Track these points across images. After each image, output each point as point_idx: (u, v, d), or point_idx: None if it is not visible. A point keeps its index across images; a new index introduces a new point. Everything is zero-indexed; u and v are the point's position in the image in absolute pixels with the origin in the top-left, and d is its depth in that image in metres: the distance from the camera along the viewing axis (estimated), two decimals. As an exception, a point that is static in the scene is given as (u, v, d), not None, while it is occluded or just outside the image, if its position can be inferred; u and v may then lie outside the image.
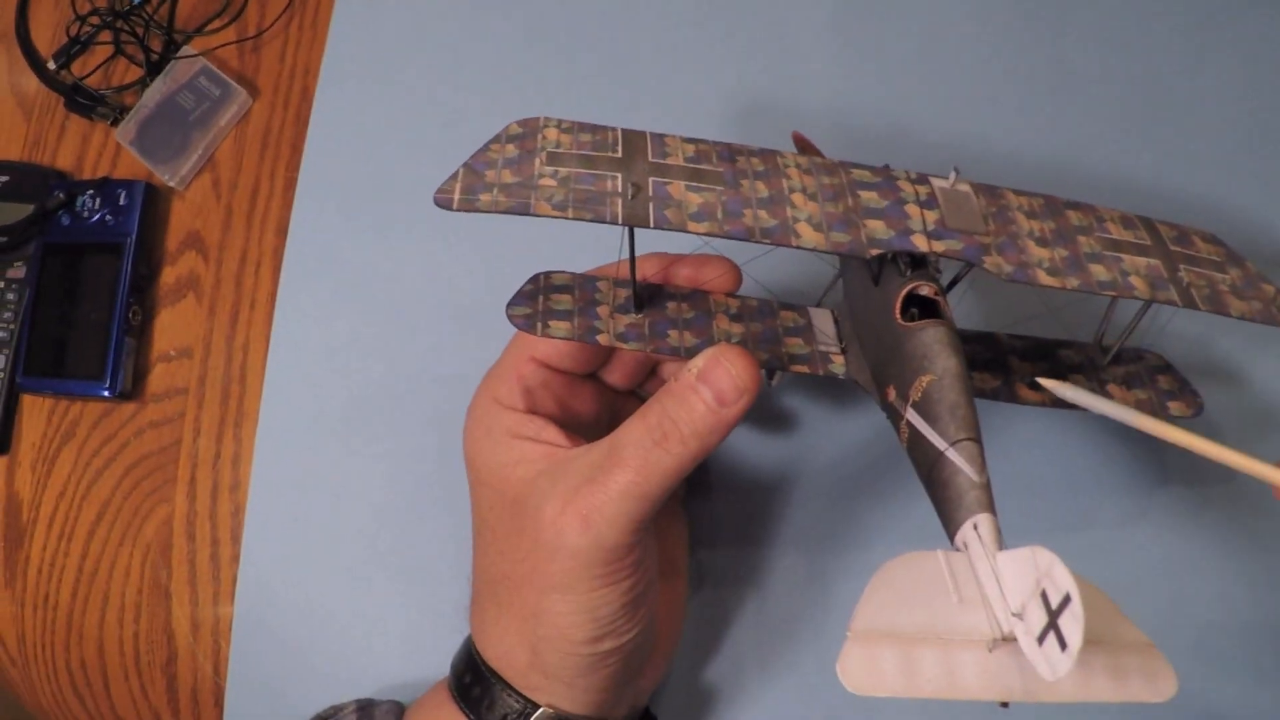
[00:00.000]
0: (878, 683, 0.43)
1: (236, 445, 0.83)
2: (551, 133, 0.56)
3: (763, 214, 0.52)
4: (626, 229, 0.55)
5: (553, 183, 0.53)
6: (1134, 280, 0.52)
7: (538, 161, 0.54)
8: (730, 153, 0.56)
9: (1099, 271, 0.52)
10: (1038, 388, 0.57)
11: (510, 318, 0.60)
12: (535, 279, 0.62)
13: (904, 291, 0.52)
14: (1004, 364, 0.60)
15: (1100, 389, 0.58)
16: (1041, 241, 0.53)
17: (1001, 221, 0.54)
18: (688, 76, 0.82)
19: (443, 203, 0.52)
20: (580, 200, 0.52)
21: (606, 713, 0.60)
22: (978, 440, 0.47)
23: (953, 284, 0.59)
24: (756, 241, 0.52)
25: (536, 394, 0.62)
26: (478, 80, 0.84)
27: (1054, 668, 0.39)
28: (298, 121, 0.88)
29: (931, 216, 0.53)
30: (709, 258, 0.62)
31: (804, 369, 0.58)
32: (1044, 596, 0.40)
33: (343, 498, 0.79)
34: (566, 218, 0.51)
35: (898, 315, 0.52)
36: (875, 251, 0.51)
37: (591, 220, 0.51)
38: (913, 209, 0.53)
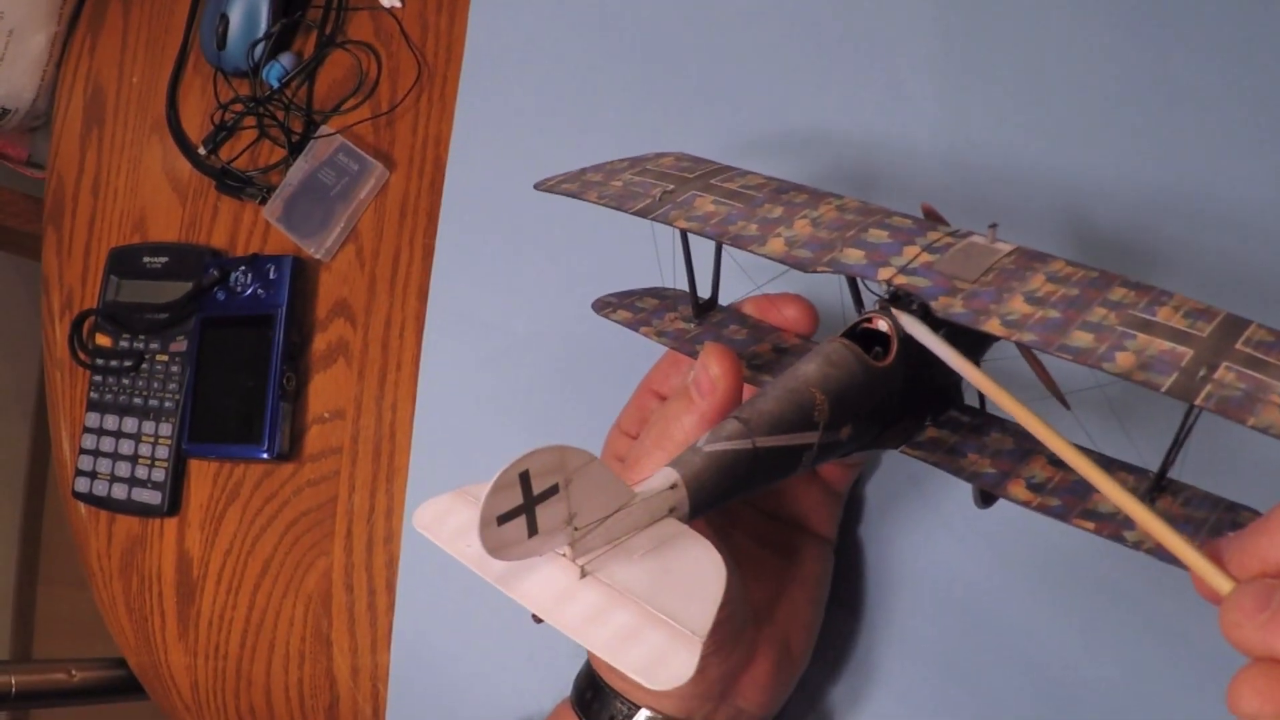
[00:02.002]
0: (433, 529, 0.46)
1: (389, 499, 0.88)
2: (667, 160, 0.63)
3: (752, 227, 0.55)
4: (681, 242, 0.60)
5: (619, 184, 0.60)
6: (1120, 356, 0.46)
7: (629, 172, 0.61)
8: (786, 188, 0.59)
9: (1080, 338, 0.46)
10: (1036, 489, 0.51)
11: (595, 300, 0.67)
12: (651, 287, 0.68)
13: (855, 322, 0.53)
14: (1023, 458, 0.54)
15: (1127, 520, 0.49)
16: (1035, 300, 0.49)
17: (1007, 277, 0.50)
18: (809, 119, 0.84)
19: (537, 185, 0.63)
20: (621, 196, 0.59)
21: (705, 718, 0.62)
22: (742, 420, 0.47)
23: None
24: (720, 241, 0.55)
25: None
26: (603, 142, 0.87)
27: (489, 544, 0.40)
28: (432, 191, 0.93)
29: (925, 259, 0.52)
30: (786, 297, 0.65)
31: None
32: (525, 477, 0.40)
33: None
34: (599, 204, 0.58)
35: (840, 335, 0.53)
36: (822, 269, 0.52)
37: (615, 209, 0.58)
38: (912, 250, 0.52)
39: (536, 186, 0.63)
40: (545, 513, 0.41)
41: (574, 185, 0.61)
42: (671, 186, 0.59)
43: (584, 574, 0.43)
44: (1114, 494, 0.44)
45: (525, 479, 0.40)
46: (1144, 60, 0.75)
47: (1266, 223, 0.70)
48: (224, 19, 1.02)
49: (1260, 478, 0.61)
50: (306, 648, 0.89)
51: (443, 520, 0.47)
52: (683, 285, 0.64)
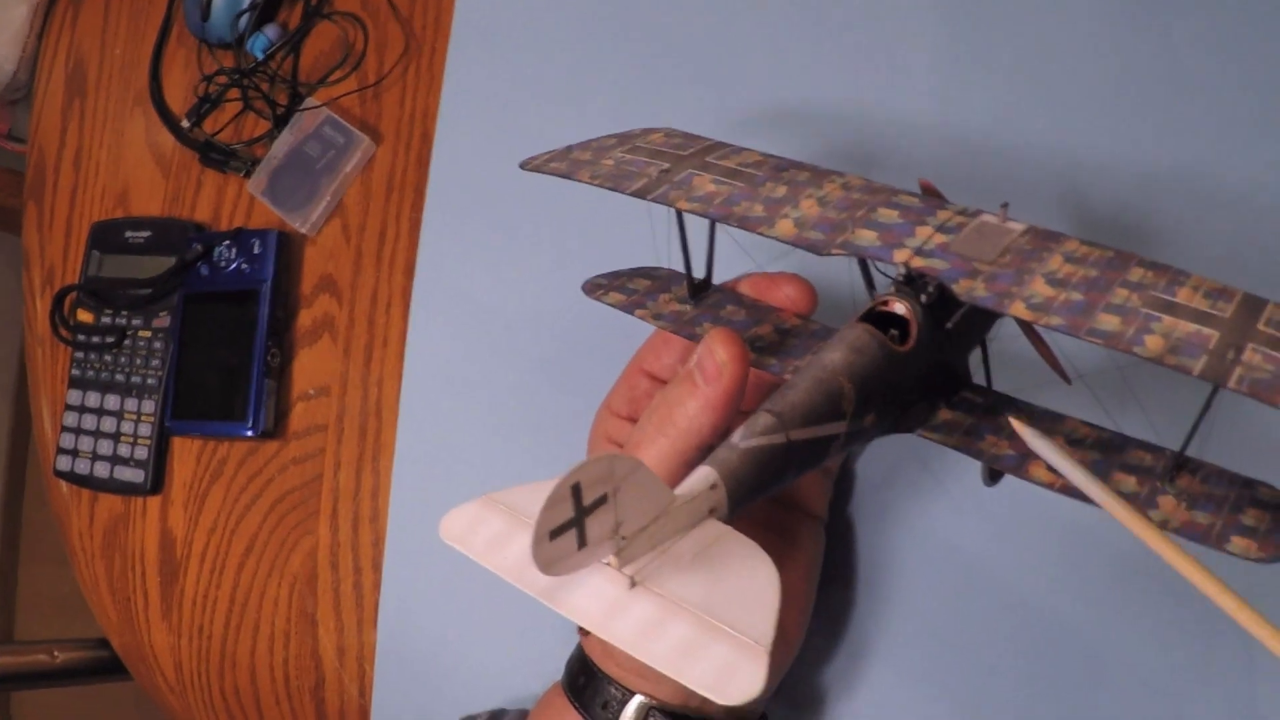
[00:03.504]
0: (465, 540, 0.45)
1: (375, 478, 0.87)
2: (657, 136, 0.61)
3: (758, 207, 0.54)
4: (677, 222, 0.59)
5: (610, 163, 0.58)
6: (1149, 339, 0.45)
7: (619, 149, 0.60)
8: (786, 165, 0.58)
9: (1107, 321, 0.46)
10: (1057, 470, 0.51)
11: (584, 282, 0.66)
12: (641, 267, 0.67)
13: (871, 305, 0.52)
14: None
15: (1149, 498, 0.50)
16: (1056, 282, 0.48)
17: (1025, 258, 0.50)
18: (805, 96, 0.83)
19: (523, 164, 0.61)
20: (615, 176, 0.57)
21: (700, 704, 0.61)
22: (775, 414, 0.47)
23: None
24: (726, 223, 0.54)
25: (641, 404, 0.65)
26: (593, 117, 0.87)
27: (541, 560, 0.39)
28: (419, 164, 0.91)
29: (939, 239, 0.51)
30: (784, 276, 0.64)
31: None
32: (577, 490, 0.38)
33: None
34: (593, 184, 0.57)
35: (858, 319, 0.52)
36: (836, 252, 0.51)
37: (611, 189, 0.56)
38: (925, 230, 0.52)
39: (522, 166, 0.61)
40: (594, 524, 0.40)
41: (563, 165, 0.60)
42: (667, 165, 0.58)
43: (633, 584, 0.42)
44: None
45: (577, 491, 0.39)
46: (1146, 38, 0.75)
47: (1268, 203, 0.70)
48: (208, -10, 1.01)
49: (1276, 455, 0.62)
50: (291, 627, 0.88)
51: (473, 531, 0.45)
52: (676, 264, 0.63)
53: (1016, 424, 0.51)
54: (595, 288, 0.66)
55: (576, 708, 0.63)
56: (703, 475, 0.45)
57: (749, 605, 0.42)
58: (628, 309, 0.64)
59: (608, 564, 0.42)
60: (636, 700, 0.61)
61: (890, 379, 0.51)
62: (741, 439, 0.46)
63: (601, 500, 0.39)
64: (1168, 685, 0.64)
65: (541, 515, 0.38)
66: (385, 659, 0.84)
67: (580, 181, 0.58)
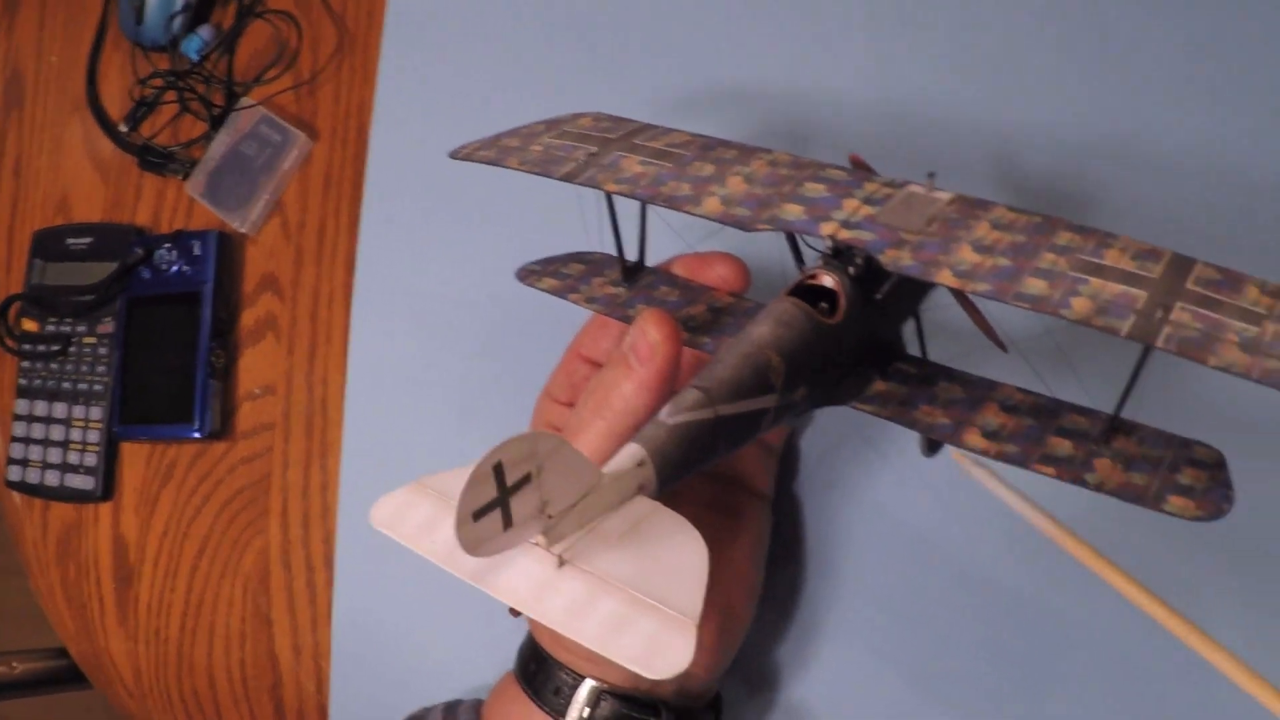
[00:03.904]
0: (395, 526, 0.45)
1: (323, 474, 0.87)
2: (585, 120, 0.62)
3: (684, 186, 0.54)
4: (607, 205, 0.59)
5: (539, 149, 0.59)
6: (1076, 302, 0.46)
7: (548, 135, 0.60)
8: (714, 144, 0.58)
9: (1034, 285, 0.46)
10: (991, 437, 0.51)
11: (518, 269, 0.66)
12: (575, 252, 0.67)
13: (799, 279, 0.52)
14: (975, 407, 0.54)
15: (1084, 461, 0.50)
16: (983, 249, 0.49)
17: (952, 226, 0.50)
18: (738, 75, 0.83)
19: (452, 153, 0.62)
20: (544, 161, 0.57)
21: (651, 687, 0.62)
22: (703, 389, 0.47)
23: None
24: (653, 203, 0.54)
25: (581, 389, 0.65)
26: (527, 104, 0.85)
27: (466, 541, 0.39)
28: (356, 159, 0.91)
29: (866, 211, 0.51)
30: (716, 256, 0.64)
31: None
32: (499, 470, 0.38)
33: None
34: (521, 170, 0.57)
35: (786, 294, 0.52)
36: (762, 227, 0.51)
37: (539, 175, 0.57)
38: (851, 203, 0.52)
39: (452, 155, 0.62)
40: (519, 503, 0.40)
41: (491, 152, 0.60)
42: (595, 149, 0.58)
43: (562, 563, 0.42)
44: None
45: (499, 471, 0.38)
46: (1078, 5, 0.75)
47: (1200, 166, 0.70)
48: (141, -8, 1.00)
49: (1209, 415, 0.62)
50: (247, 628, 0.88)
51: (403, 517, 0.45)
52: (609, 248, 0.63)
53: (956, 455, 0.51)
54: (529, 274, 0.66)
55: (529, 695, 0.63)
56: (630, 453, 0.45)
57: (677, 580, 0.42)
58: (561, 294, 0.64)
59: (536, 544, 0.42)
60: (587, 685, 0.61)
61: (820, 351, 0.51)
62: (668, 415, 0.46)
63: (525, 479, 0.39)
64: (1125, 648, 0.64)
65: (463, 496, 0.38)
66: (341, 655, 0.84)
67: (509, 168, 0.58)
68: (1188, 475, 0.50)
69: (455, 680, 0.78)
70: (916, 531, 0.70)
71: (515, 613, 0.56)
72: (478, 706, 0.70)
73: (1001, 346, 0.59)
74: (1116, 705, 0.64)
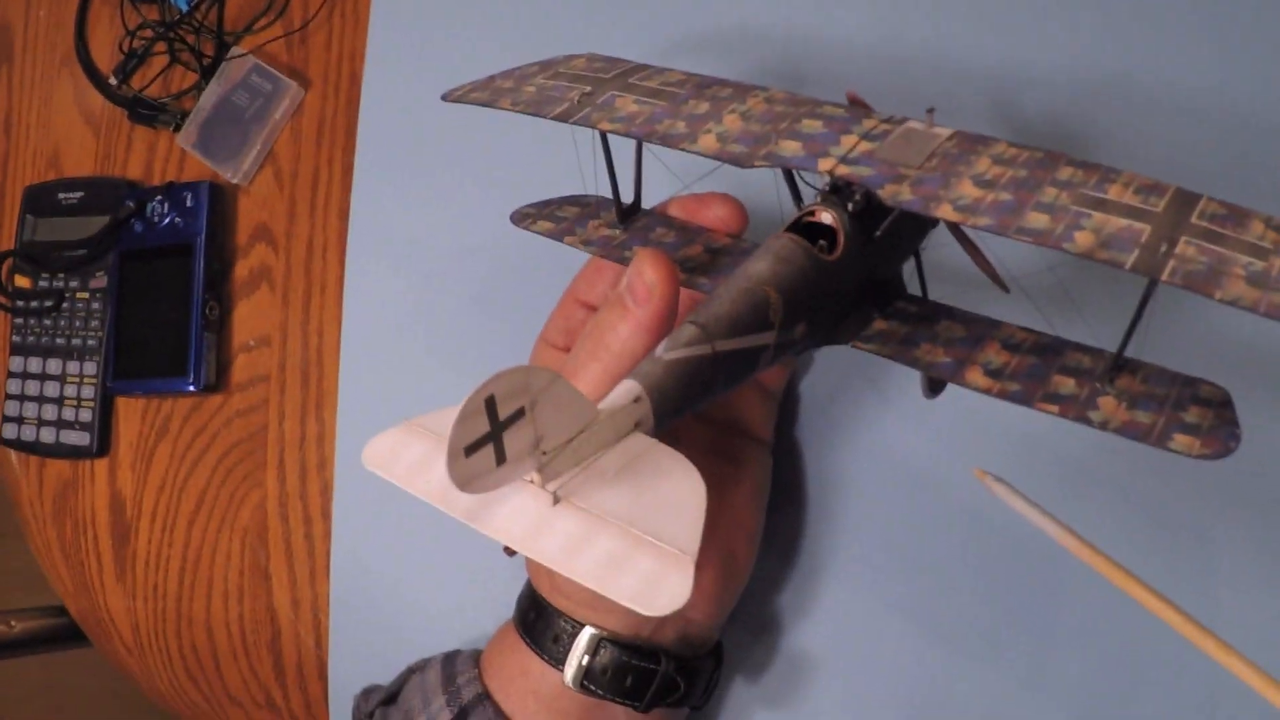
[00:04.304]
0: (387, 466, 0.44)
1: (320, 425, 0.86)
2: (579, 61, 0.61)
3: (680, 124, 0.53)
4: (602, 146, 0.59)
5: (532, 89, 0.58)
6: (1079, 235, 0.45)
7: (541, 76, 0.59)
8: (710, 82, 0.57)
9: (1036, 220, 0.46)
10: (994, 375, 0.51)
11: (512, 212, 0.65)
12: (569, 195, 0.67)
13: (798, 215, 0.52)
14: (977, 345, 0.53)
15: (1088, 399, 0.50)
16: (984, 183, 0.48)
17: (952, 161, 0.49)
18: (732, 21, 0.82)
19: (445, 95, 0.61)
20: (537, 101, 0.57)
21: (651, 634, 0.61)
22: (699, 325, 0.46)
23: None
24: (648, 141, 0.54)
25: (577, 334, 0.65)
26: (521, 47, 0.85)
27: (458, 477, 0.38)
28: (349, 107, 0.90)
29: (865, 147, 0.50)
30: (713, 196, 0.64)
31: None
32: (491, 403, 0.38)
33: (424, 465, 0.81)
34: (514, 111, 0.57)
35: (784, 230, 0.52)
36: (760, 163, 0.51)
37: (532, 115, 0.56)
38: (849, 139, 0.51)
39: (444, 97, 0.61)
40: (512, 439, 0.39)
41: (485, 94, 0.59)
42: (589, 88, 0.57)
43: (556, 500, 0.41)
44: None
45: (491, 404, 0.38)
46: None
47: (1204, 105, 0.69)
48: (129, -56, 0.99)
49: (1214, 352, 0.61)
50: (245, 582, 0.87)
51: (396, 457, 0.45)
52: (604, 190, 0.62)
53: (978, 472, 0.51)
54: (524, 217, 0.65)
55: (528, 643, 0.63)
56: (626, 389, 0.44)
57: (674, 516, 0.41)
58: (556, 236, 0.63)
59: (530, 481, 0.41)
60: (587, 632, 0.60)
61: (819, 288, 0.50)
62: (665, 351, 0.46)
63: (519, 414, 0.39)
64: (1125, 604, 0.63)
65: (455, 430, 0.37)
66: (339, 608, 0.84)
67: (502, 109, 0.58)
68: (1194, 413, 0.49)
69: (454, 631, 0.78)
70: (918, 474, 0.70)
71: (510, 551, 0.55)
72: (476, 657, 0.70)
73: (1003, 286, 0.58)
74: (1116, 647, 0.64)
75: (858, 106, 0.58)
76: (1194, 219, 0.46)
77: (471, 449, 0.38)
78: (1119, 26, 0.71)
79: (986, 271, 0.58)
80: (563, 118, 0.55)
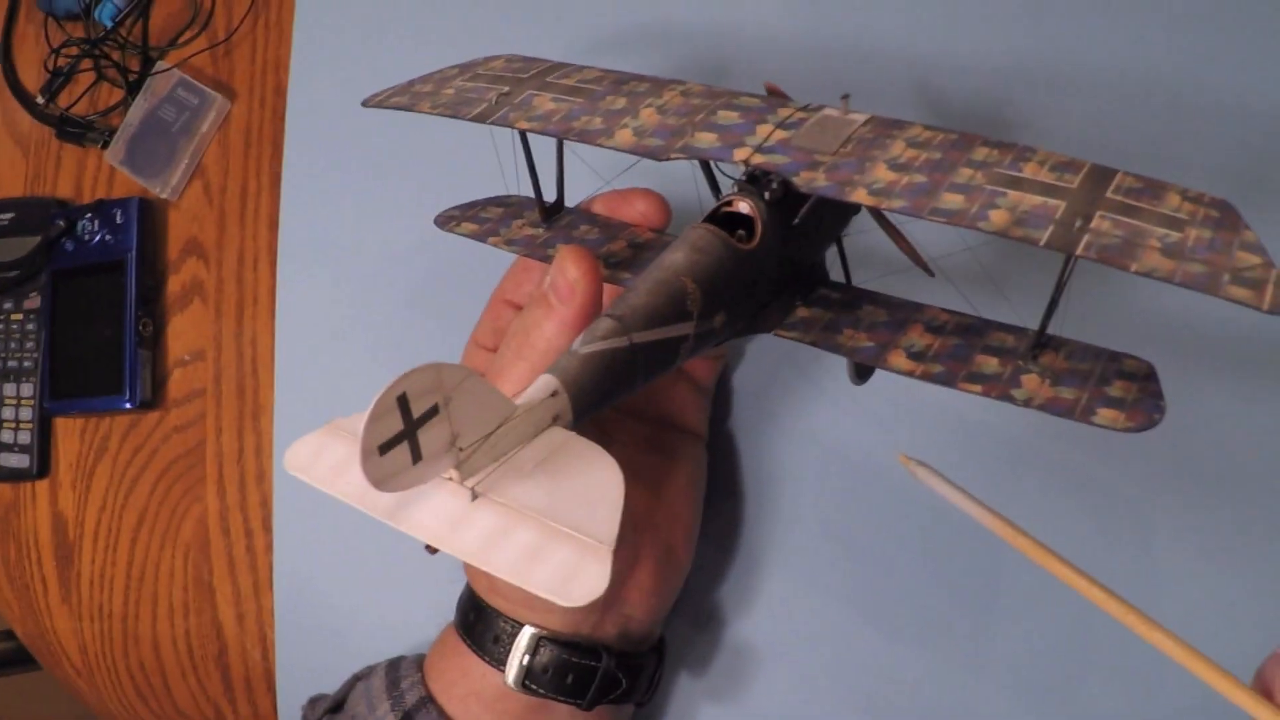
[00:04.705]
0: (307, 469, 0.44)
1: (257, 437, 0.86)
2: (498, 63, 0.61)
3: (597, 120, 0.54)
4: (522, 145, 0.59)
5: (451, 92, 0.58)
6: (993, 214, 0.45)
7: (460, 79, 0.60)
8: (626, 78, 0.58)
9: (951, 200, 0.46)
10: (916, 358, 0.51)
11: (436, 215, 0.66)
12: (493, 197, 0.67)
13: (715, 206, 0.52)
14: (900, 328, 0.54)
15: (1011, 377, 0.50)
16: (899, 167, 0.48)
17: (867, 146, 0.50)
18: (652, 17, 0.83)
19: (365, 101, 0.61)
20: (455, 104, 0.57)
21: (591, 631, 0.61)
22: (615, 317, 0.47)
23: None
24: (565, 139, 0.55)
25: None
26: (444, 51, 0.85)
27: (374, 476, 0.37)
28: (275, 118, 0.90)
29: (780, 135, 0.51)
30: (636, 192, 0.64)
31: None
32: (403, 401, 0.38)
33: (362, 473, 0.81)
34: (433, 114, 0.57)
35: (702, 221, 0.52)
36: (676, 156, 0.51)
37: (450, 117, 0.56)
38: (765, 129, 0.52)
39: (365, 103, 0.61)
40: (427, 436, 0.39)
41: (404, 98, 0.60)
42: (506, 88, 0.58)
43: (475, 496, 0.41)
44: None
45: (404, 402, 0.37)
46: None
47: (1124, 86, 0.70)
48: (51, -38, 0.98)
49: (1137, 327, 0.63)
50: (190, 597, 0.87)
51: (316, 459, 0.44)
52: (526, 189, 0.62)
53: (901, 458, 0.51)
54: (448, 220, 0.65)
55: (469, 645, 0.63)
56: (543, 383, 0.44)
57: (592, 507, 0.41)
58: (480, 238, 0.63)
59: (449, 479, 0.41)
60: (527, 632, 0.60)
61: (737, 277, 0.51)
62: (581, 344, 0.46)
63: (433, 411, 0.39)
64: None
65: (367, 429, 0.37)
66: (284, 620, 0.83)
67: (422, 112, 0.58)
68: (1118, 388, 0.50)
69: (399, 638, 0.78)
70: (854, 461, 0.70)
71: (432, 549, 0.55)
72: (420, 661, 0.70)
73: (927, 270, 0.59)
74: (1057, 625, 0.65)
75: (775, 97, 0.58)
76: (1109, 194, 0.46)
77: (386, 447, 0.38)
78: (1042, 7, 0.73)
79: (909, 255, 0.58)
80: (480, 118, 0.56)
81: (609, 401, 0.47)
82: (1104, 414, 0.49)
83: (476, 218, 0.65)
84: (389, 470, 0.38)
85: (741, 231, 0.51)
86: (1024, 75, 0.72)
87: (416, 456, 0.39)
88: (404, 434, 0.38)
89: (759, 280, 0.52)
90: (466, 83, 0.59)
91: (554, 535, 0.40)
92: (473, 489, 0.41)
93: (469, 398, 0.40)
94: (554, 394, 0.44)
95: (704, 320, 0.49)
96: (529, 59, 0.61)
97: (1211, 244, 0.44)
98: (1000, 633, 0.66)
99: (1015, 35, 0.73)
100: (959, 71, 0.73)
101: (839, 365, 0.55)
